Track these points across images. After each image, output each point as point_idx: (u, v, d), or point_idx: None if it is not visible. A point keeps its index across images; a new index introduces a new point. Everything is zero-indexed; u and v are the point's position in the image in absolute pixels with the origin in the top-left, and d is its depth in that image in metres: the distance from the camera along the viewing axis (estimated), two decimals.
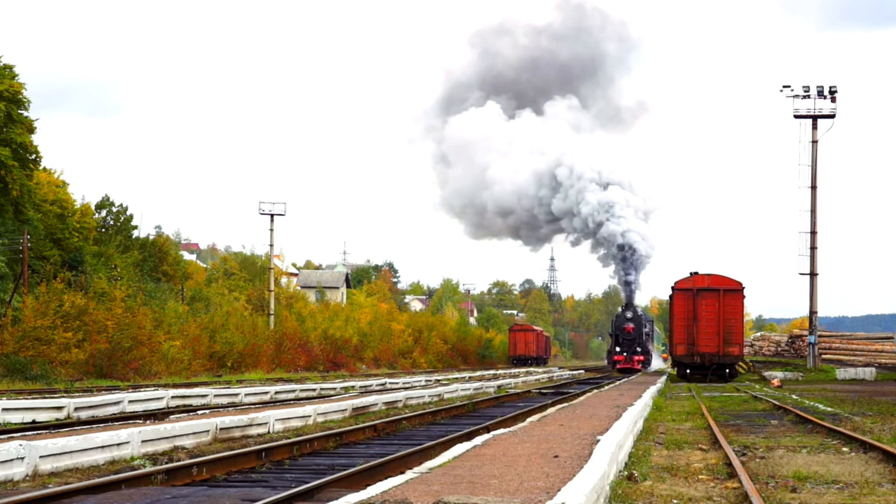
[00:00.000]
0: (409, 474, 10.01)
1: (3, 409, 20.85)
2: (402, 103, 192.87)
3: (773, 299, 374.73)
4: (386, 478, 10.75)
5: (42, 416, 21.36)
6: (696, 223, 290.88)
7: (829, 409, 26.06)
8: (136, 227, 69.07)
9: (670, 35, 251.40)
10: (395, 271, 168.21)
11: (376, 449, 16.49)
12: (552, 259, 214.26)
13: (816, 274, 58.36)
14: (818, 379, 53.11)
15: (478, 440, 13.46)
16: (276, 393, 31.30)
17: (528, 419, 18.30)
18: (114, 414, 22.70)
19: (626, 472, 12.31)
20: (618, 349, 70.59)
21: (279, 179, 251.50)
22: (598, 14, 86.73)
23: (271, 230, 71.62)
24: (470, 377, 52.27)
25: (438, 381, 46.17)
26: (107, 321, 43.77)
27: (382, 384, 40.54)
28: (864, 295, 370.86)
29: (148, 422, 18.41)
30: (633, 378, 51.51)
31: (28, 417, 21.17)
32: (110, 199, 67.03)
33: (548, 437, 14.07)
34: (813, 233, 58.18)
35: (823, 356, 60.21)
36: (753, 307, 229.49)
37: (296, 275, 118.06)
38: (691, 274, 50.98)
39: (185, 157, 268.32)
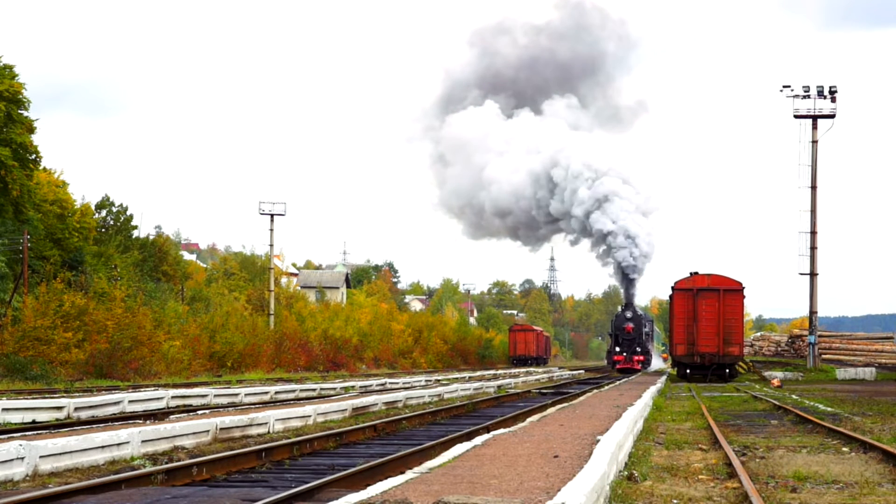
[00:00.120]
0: (409, 474, 10.01)
1: (3, 409, 20.85)
2: (402, 103, 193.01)
3: (773, 299, 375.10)
4: (386, 478, 10.75)
5: (42, 416, 21.36)
6: (696, 223, 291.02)
7: (829, 409, 26.06)
8: (136, 227, 69.09)
9: (670, 35, 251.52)
10: (395, 271, 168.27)
11: (376, 449, 16.49)
12: (552, 259, 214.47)
13: (816, 274, 58.36)
14: (818, 379, 53.10)
15: (478, 440, 13.46)
16: (276, 393, 31.29)
17: (528, 419, 18.30)
18: (114, 414, 22.70)
19: (626, 472, 12.31)
20: (617, 349, 70.27)
21: (279, 179, 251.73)
22: (598, 13, 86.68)
23: (271, 230, 71.67)
24: (470, 377, 52.27)
25: (438, 381, 46.18)
26: (107, 321, 43.76)
27: (382, 384, 40.54)
28: (864, 295, 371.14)
29: (148, 422, 18.41)
30: (633, 378, 51.51)
31: (28, 417, 21.17)
32: (110, 199, 67.02)
33: (548, 437, 14.07)
34: (813, 233, 58.17)
35: (823, 356, 60.20)
36: (753, 307, 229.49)
37: (296, 275, 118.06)
38: (691, 274, 50.97)
39: (185, 157, 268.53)
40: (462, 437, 16.92)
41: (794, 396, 33.12)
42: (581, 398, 27.33)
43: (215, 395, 28.60)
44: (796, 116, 58.31)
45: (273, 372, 55.28)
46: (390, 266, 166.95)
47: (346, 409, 23.02)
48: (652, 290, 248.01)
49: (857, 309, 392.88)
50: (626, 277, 71.57)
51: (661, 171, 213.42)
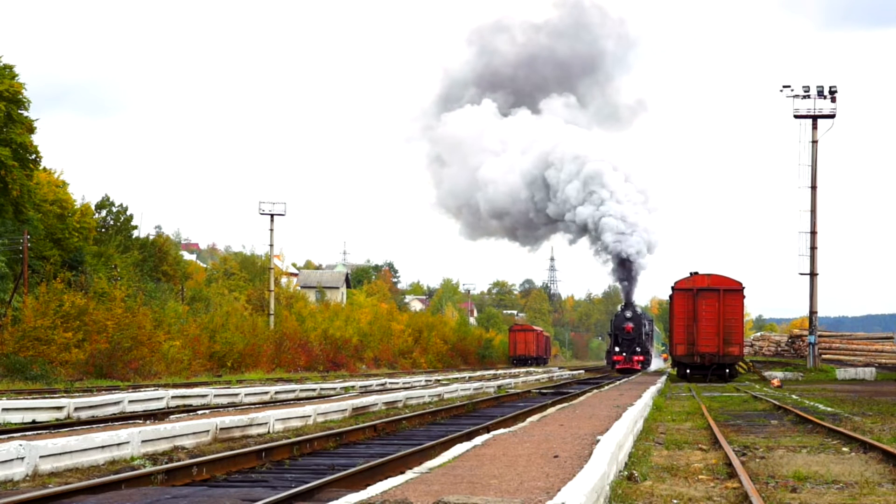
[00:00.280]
0: (409, 474, 10.01)
1: (3, 409, 20.85)
2: (402, 103, 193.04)
3: (773, 299, 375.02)
4: (386, 478, 10.75)
5: (42, 416, 21.36)
6: (696, 223, 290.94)
7: (829, 409, 26.06)
8: (136, 227, 69.08)
9: (670, 34, 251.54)
10: (395, 271, 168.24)
11: (376, 449, 16.49)
12: (552, 259, 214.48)
13: (816, 274, 58.36)
14: (818, 379, 53.10)
15: (478, 440, 13.46)
16: (276, 393, 31.29)
17: (528, 419, 18.30)
18: (114, 414, 22.70)
19: (626, 472, 12.31)
20: (617, 349, 69.86)
21: (279, 179, 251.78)
22: (597, 11, 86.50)
23: (271, 230, 71.66)
24: (470, 377, 52.26)
25: (438, 381, 46.17)
26: (107, 321, 43.76)
27: (382, 384, 40.54)
28: (864, 295, 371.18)
29: (148, 422, 18.41)
30: (633, 378, 51.50)
31: (28, 417, 21.17)
32: (110, 199, 67.01)
33: (548, 437, 14.07)
34: (813, 233, 58.17)
35: (823, 356, 60.20)
36: (753, 307, 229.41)
37: (296, 275, 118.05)
38: (691, 274, 50.96)
39: (185, 157, 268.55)
40: (462, 437, 16.92)
41: (794, 396, 33.12)
42: (581, 398, 27.33)
43: (215, 395, 28.60)
44: (796, 116, 58.31)
45: (273, 372, 55.28)
46: (390, 266, 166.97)
47: (346, 409, 23.03)
48: (652, 290, 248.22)
49: (857, 309, 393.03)
50: (624, 267, 70.31)
51: (660, 171, 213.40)
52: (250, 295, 78.56)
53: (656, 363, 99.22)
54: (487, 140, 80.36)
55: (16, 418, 20.81)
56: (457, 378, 50.66)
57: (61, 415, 21.70)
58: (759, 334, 75.61)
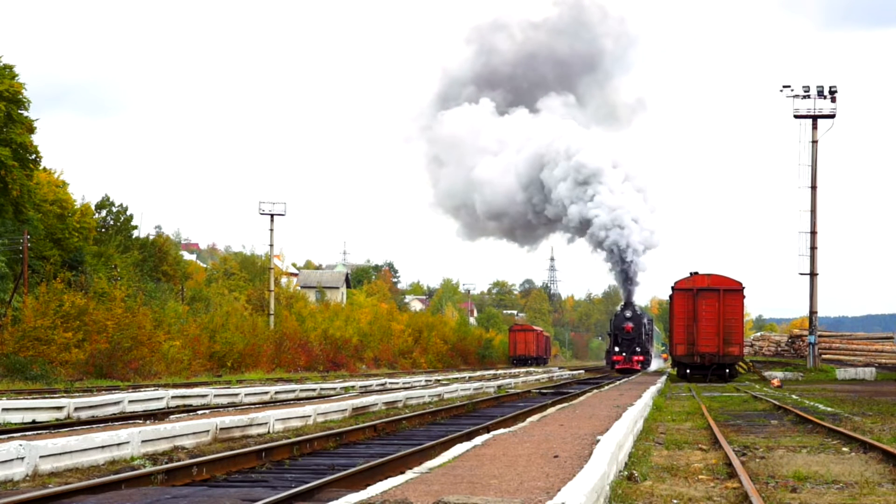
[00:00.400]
0: (409, 474, 10.01)
1: (3, 409, 20.85)
2: (402, 102, 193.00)
3: (773, 299, 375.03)
4: (386, 478, 10.75)
5: (42, 416, 21.36)
6: (696, 223, 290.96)
7: (829, 409, 26.06)
8: (136, 227, 69.09)
9: (670, 34, 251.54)
10: (395, 271, 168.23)
11: (376, 449, 16.49)
12: (552, 259, 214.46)
13: (816, 274, 58.36)
14: (818, 379, 53.10)
15: (478, 440, 13.46)
16: (276, 393, 31.29)
17: (528, 419, 18.30)
18: (114, 414, 22.70)
19: (626, 472, 12.31)
20: (616, 349, 69.26)
21: (279, 179, 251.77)
22: (597, 9, 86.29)
23: (271, 230, 71.66)
24: (470, 377, 52.26)
25: (438, 381, 46.17)
26: (107, 321, 43.76)
27: (382, 384, 40.54)
28: (864, 295, 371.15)
29: (148, 422, 18.41)
30: (633, 378, 51.50)
31: (28, 417, 21.17)
32: (110, 199, 67.01)
33: (548, 437, 14.07)
34: (813, 233, 58.17)
35: (823, 356, 60.20)
36: (753, 307, 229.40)
37: (296, 275, 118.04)
38: (691, 274, 50.96)
39: (185, 157, 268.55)
40: (462, 437, 16.92)
41: (794, 396, 33.12)
42: (581, 398, 27.33)
43: (215, 395, 28.60)
44: (796, 116, 58.31)
45: (273, 372, 55.28)
46: (390, 266, 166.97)
47: (346, 409, 23.03)
48: (652, 290, 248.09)
49: (857, 309, 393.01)
50: (623, 265, 69.66)
51: (660, 171, 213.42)
52: (250, 295, 78.56)
53: (656, 363, 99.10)
54: (484, 139, 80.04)
55: (16, 418, 20.81)
56: (457, 378, 50.66)
57: (61, 415, 21.70)
58: (759, 334, 75.58)
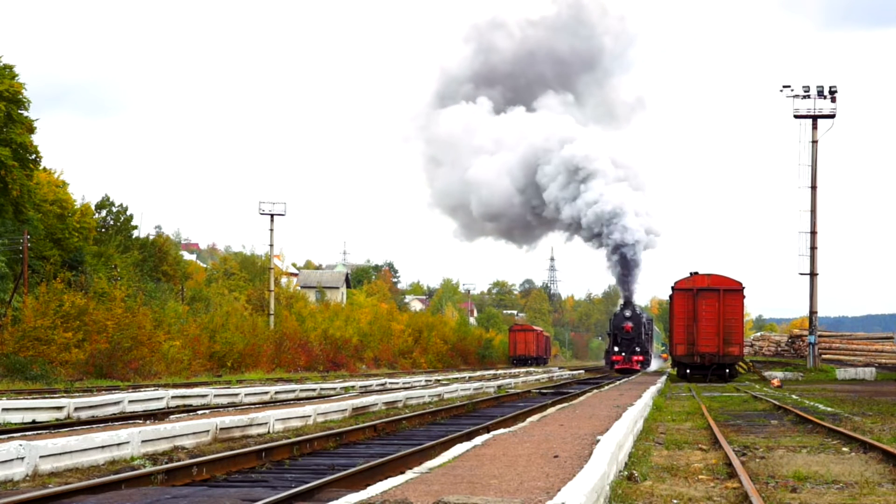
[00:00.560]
0: (409, 474, 10.01)
1: (3, 409, 20.85)
2: (402, 102, 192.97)
3: (773, 299, 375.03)
4: (386, 478, 10.75)
5: (42, 416, 21.36)
6: (696, 223, 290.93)
7: (829, 409, 26.06)
8: (136, 227, 69.10)
9: (670, 33, 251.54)
10: (395, 271, 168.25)
11: (376, 449, 16.49)
12: (552, 259, 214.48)
13: (816, 274, 58.37)
14: (818, 379, 53.10)
15: (478, 440, 13.46)
16: (276, 393, 31.29)
17: (528, 419, 18.30)
18: (114, 414, 22.70)
19: (626, 472, 12.31)
20: (616, 349, 68.62)
21: (279, 179, 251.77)
22: (596, 8, 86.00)
23: (271, 230, 71.67)
24: (470, 377, 52.26)
25: (438, 381, 46.17)
26: (107, 321, 43.76)
27: (382, 384, 40.54)
28: (864, 295, 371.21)
29: (148, 422, 18.41)
30: (633, 378, 51.51)
31: (28, 417, 21.17)
32: (110, 199, 67.02)
33: (548, 437, 14.07)
34: (813, 233, 58.18)
35: (823, 356, 60.20)
36: (753, 307, 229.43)
37: (296, 275, 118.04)
38: (691, 274, 50.95)
39: (185, 157, 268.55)
40: (462, 437, 16.92)
41: (794, 396, 33.12)
42: (581, 398, 27.33)
43: (215, 395, 28.60)
44: (796, 116, 58.31)
45: (273, 372, 55.28)
46: (390, 266, 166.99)
47: (346, 409, 23.03)
48: (652, 290, 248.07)
49: (857, 309, 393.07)
50: (622, 263, 68.90)
51: (660, 170, 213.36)
52: (250, 295, 78.57)
53: (656, 363, 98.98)
54: (480, 139, 79.63)
55: (16, 418, 20.81)
56: (457, 378, 50.66)
57: (61, 415, 21.70)
58: (759, 334, 75.55)
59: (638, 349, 68.82)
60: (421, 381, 45.01)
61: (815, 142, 58.41)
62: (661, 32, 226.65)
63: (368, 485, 10.10)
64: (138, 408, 24.09)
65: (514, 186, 76.66)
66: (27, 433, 16.31)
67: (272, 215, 70.84)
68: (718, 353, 49.62)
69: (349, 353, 70.97)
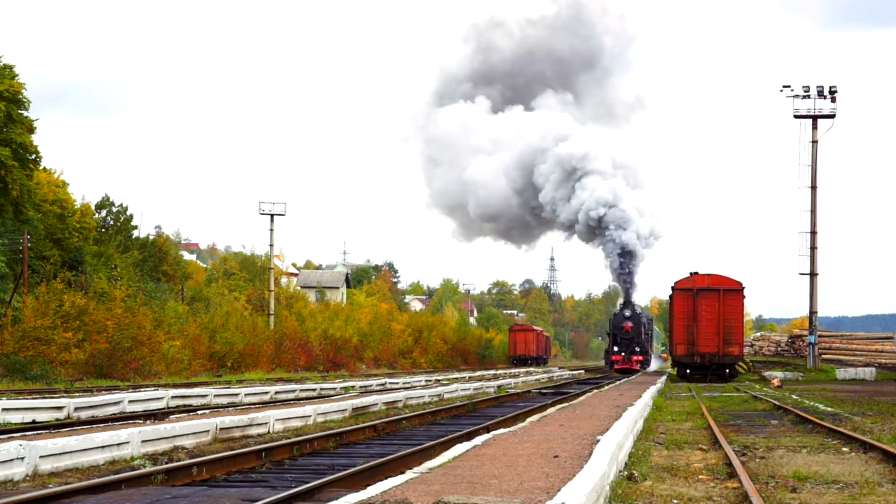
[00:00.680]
0: (409, 474, 10.01)
1: (3, 409, 20.85)
2: (401, 102, 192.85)
3: (773, 299, 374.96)
4: (386, 478, 10.75)
5: (42, 416, 21.35)
6: (696, 223, 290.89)
7: (829, 409, 26.06)
8: (136, 227, 69.10)
9: (669, 33, 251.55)
10: (395, 271, 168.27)
11: (376, 449, 16.49)
12: (552, 259, 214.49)
13: (816, 274, 58.37)
14: (818, 379, 53.10)
15: (478, 440, 13.46)
16: (276, 393, 31.29)
17: (528, 419, 18.30)
18: (114, 414, 22.70)
19: (626, 472, 12.31)
20: (615, 349, 68.20)
21: (279, 179, 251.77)
22: (596, 7, 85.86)
23: (271, 230, 71.67)
24: (470, 377, 52.25)
25: (438, 381, 46.17)
26: (107, 321, 43.76)
27: (382, 384, 40.54)
28: (864, 295, 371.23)
29: (148, 422, 18.41)
30: (633, 378, 51.50)
31: (28, 417, 21.16)
32: (110, 199, 67.02)
33: (548, 437, 14.07)
34: (813, 233, 58.18)
35: (823, 356, 60.20)
36: (753, 307, 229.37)
37: (296, 275, 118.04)
38: (691, 274, 50.95)
39: (185, 157, 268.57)
40: (462, 437, 16.92)
41: (794, 396, 33.12)
42: (581, 398, 27.33)
43: (215, 395, 28.60)
44: (796, 116, 58.31)
45: (273, 372, 55.28)
46: (390, 266, 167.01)
47: (346, 409, 23.03)
48: (652, 290, 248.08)
49: (857, 309, 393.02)
50: (622, 261, 68.11)
51: (660, 170, 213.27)
52: (250, 295, 78.57)
53: (656, 363, 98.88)
54: (477, 139, 79.35)
55: (16, 418, 20.81)
56: (457, 378, 50.65)
57: (61, 415, 21.70)
58: (759, 334, 75.53)
59: (638, 349, 68.41)
60: (421, 381, 45.01)
61: (815, 142, 58.41)
62: (661, 32, 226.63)
63: (368, 485, 10.10)
64: (138, 408, 24.09)
65: (512, 187, 76.49)
66: (27, 433, 16.31)
67: (272, 215, 70.86)
68: (718, 353, 49.62)
69: (349, 353, 70.97)
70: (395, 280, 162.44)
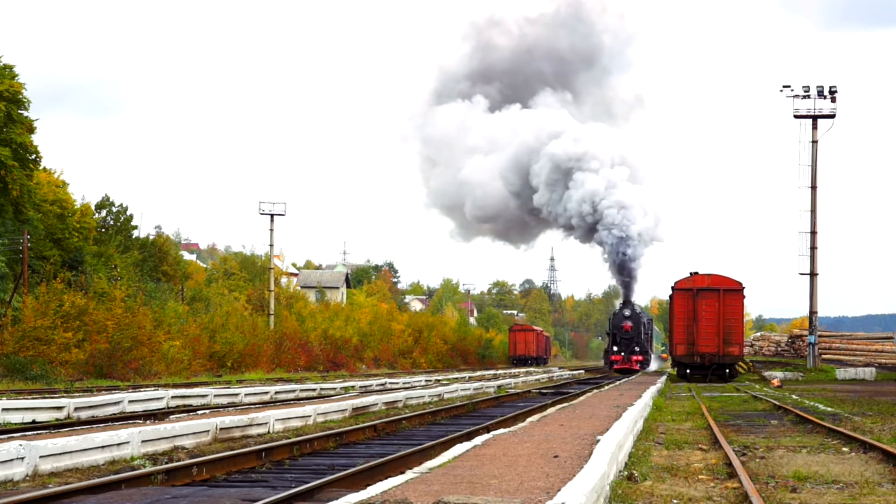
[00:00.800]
0: (409, 474, 10.01)
1: (3, 409, 20.85)
2: (401, 101, 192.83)
3: (773, 299, 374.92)
4: (386, 478, 10.75)
5: (42, 416, 21.36)
6: (696, 223, 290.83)
7: (829, 409, 26.06)
8: (136, 227, 69.11)
9: (669, 33, 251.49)
10: (395, 271, 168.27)
11: (376, 449, 16.49)
12: (552, 259, 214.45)
13: (816, 274, 58.37)
14: (818, 379, 53.10)
15: (478, 440, 13.46)
16: (276, 393, 31.30)
17: (528, 419, 18.30)
18: (114, 414, 22.70)
19: (626, 472, 12.31)
20: (615, 349, 67.75)
21: (279, 179, 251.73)
22: (596, 5, 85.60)
23: (271, 230, 71.67)
24: (470, 377, 52.25)
25: (438, 381, 46.17)
26: (107, 321, 43.76)
27: (382, 384, 40.54)
28: (864, 295, 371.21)
29: (148, 422, 18.41)
30: (633, 378, 51.50)
31: (28, 417, 21.17)
32: (110, 199, 67.03)
33: (548, 437, 14.07)
34: (813, 233, 58.18)
35: (823, 356, 60.20)
36: (753, 307, 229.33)
37: (296, 275, 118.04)
38: (691, 274, 50.95)
39: (185, 157, 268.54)
40: (462, 437, 16.92)
41: (794, 396, 33.13)
42: (581, 398, 27.33)
43: (215, 395, 28.60)
44: (796, 116, 58.30)
45: (273, 372, 55.29)
46: (390, 266, 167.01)
47: (346, 409, 23.03)
48: (652, 290, 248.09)
49: (857, 309, 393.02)
50: (621, 260, 67.64)
51: (659, 170, 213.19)
52: (250, 295, 78.57)
53: (656, 363, 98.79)
54: (474, 139, 79.06)
55: (16, 418, 20.81)
56: (457, 378, 50.65)
57: (61, 415, 21.70)
58: (759, 334, 75.50)
59: (637, 349, 67.97)
60: (421, 381, 45.01)
61: (815, 142, 58.41)
62: (660, 31, 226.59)
63: (368, 485, 10.10)
64: (138, 408, 24.09)
65: (509, 189, 76.28)
66: (27, 433, 16.31)
67: (272, 215, 70.86)
68: (718, 353, 49.62)
69: (349, 353, 70.97)
70: (395, 280, 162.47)
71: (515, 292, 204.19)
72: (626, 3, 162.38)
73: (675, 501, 10.55)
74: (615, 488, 10.79)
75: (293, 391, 32.54)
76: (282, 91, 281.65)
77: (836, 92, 57.62)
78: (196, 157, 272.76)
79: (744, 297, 50.42)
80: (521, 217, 78.26)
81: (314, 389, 34.32)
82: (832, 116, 57.98)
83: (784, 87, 57.83)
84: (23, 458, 12.29)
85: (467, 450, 12.22)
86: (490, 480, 9.49)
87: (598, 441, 12.84)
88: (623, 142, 74.81)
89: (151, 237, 76.60)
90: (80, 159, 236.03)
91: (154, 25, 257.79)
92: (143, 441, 14.69)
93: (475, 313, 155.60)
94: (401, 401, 27.54)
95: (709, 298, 49.75)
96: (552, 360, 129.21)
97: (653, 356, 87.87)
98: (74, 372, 40.94)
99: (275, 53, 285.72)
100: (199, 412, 21.60)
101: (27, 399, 23.90)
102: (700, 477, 12.49)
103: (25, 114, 46.86)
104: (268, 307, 70.72)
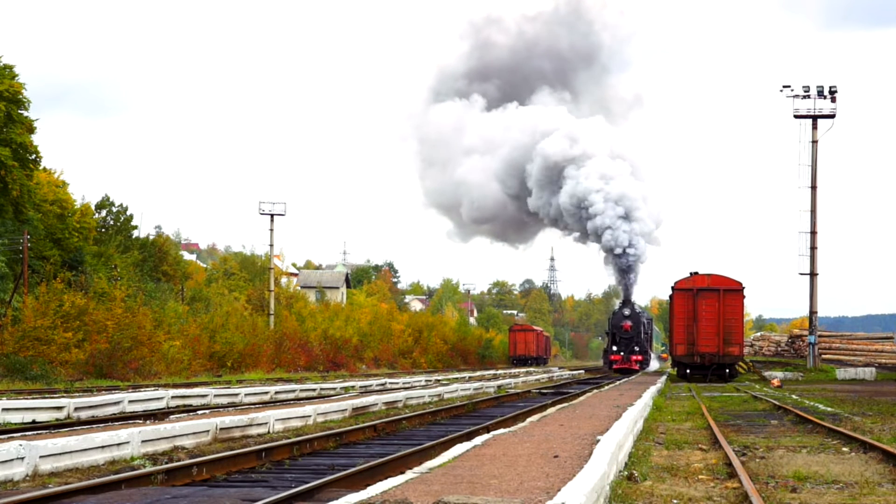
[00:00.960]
0: (409, 474, 10.02)
1: (3, 409, 20.85)
2: (401, 101, 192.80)
3: (773, 299, 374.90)
4: (386, 478, 10.75)
5: (42, 416, 21.36)
6: (696, 223, 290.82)
7: (829, 409, 26.06)
8: (136, 227, 69.09)
9: (669, 32, 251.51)
10: (395, 271, 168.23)
11: (376, 449, 16.49)
12: (552, 259, 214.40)
13: (816, 274, 58.37)
14: (818, 379, 53.10)
15: (478, 440, 13.46)
16: (276, 393, 31.30)
17: (528, 419, 18.30)
18: (114, 414, 22.70)
19: (626, 472, 12.31)
20: (614, 348, 67.40)
21: (279, 179, 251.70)
22: (595, 4, 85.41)
23: (271, 230, 71.65)
24: (470, 377, 52.25)
25: (438, 381, 46.17)
26: (107, 321, 43.76)
27: (382, 384, 40.54)
28: (864, 295, 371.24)
29: (148, 422, 18.41)
30: (633, 378, 51.51)
31: (28, 417, 21.17)
32: (110, 199, 67.01)
33: (548, 437, 14.07)
34: (813, 233, 58.18)
35: (823, 356, 60.20)
36: (753, 307, 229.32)
37: (296, 275, 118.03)
38: (691, 274, 50.95)
39: (185, 157, 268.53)
40: (462, 437, 16.92)
41: (794, 396, 33.13)
42: (581, 398, 27.33)
43: (215, 395, 28.60)
44: (796, 116, 58.30)
45: (273, 372, 55.28)
46: (390, 266, 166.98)
47: (346, 409, 23.03)
48: (652, 290, 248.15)
49: (857, 309, 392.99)
50: (621, 260, 66.97)
51: (659, 170, 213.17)
52: (250, 295, 78.56)
53: (655, 363, 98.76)
54: (470, 138, 78.72)
55: (16, 418, 20.81)
56: (457, 378, 50.65)
57: (61, 415, 21.70)
58: (759, 334, 75.50)
59: (637, 349, 67.63)
60: (421, 381, 45.01)
61: (815, 142, 58.41)
62: (660, 31, 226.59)
63: (368, 485, 10.10)
64: (138, 408, 24.09)
65: (506, 192, 76.06)
66: (27, 433, 16.31)
67: (272, 215, 70.85)
68: (718, 353, 49.62)
69: (349, 353, 70.97)
70: (395, 280, 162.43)
71: (515, 292, 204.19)
72: (626, 1, 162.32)
73: (675, 501, 10.55)
74: (615, 488, 10.79)
75: (293, 391, 32.54)
76: (281, 91, 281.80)
77: (836, 92, 57.63)
78: (196, 157, 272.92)
79: (744, 297, 50.43)
80: (518, 217, 78.11)
81: (314, 389, 34.32)
82: (832, 116, 58.01)
83: (784, 87, 57.89)
84: (23, 458, 12.29)
85: (467, 450, 12.22)
86: (490, 480, 9.49)
87: (598, 441, 12.84)
88: (622, 139, 74.45)
89: (151, 237, 76.61)
90: (80, 159, 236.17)
91: (154, 26, 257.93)
92: (143, 441, 14.69)
93: (475, 313, 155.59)
94: (401, 401, 27.55)
95: (709, 298, 49.75)
96: (552, 360, 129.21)
97: (652, 356, 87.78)
98: (74, 372, 40.94)
99: (274, 53, 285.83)
100: (199, 412, 21.60)
101: (27, 399, 23.90)
102: (700, 477, 12.49)
103: (25, 114, 46.86)
104: (268, 307, 70.72)
